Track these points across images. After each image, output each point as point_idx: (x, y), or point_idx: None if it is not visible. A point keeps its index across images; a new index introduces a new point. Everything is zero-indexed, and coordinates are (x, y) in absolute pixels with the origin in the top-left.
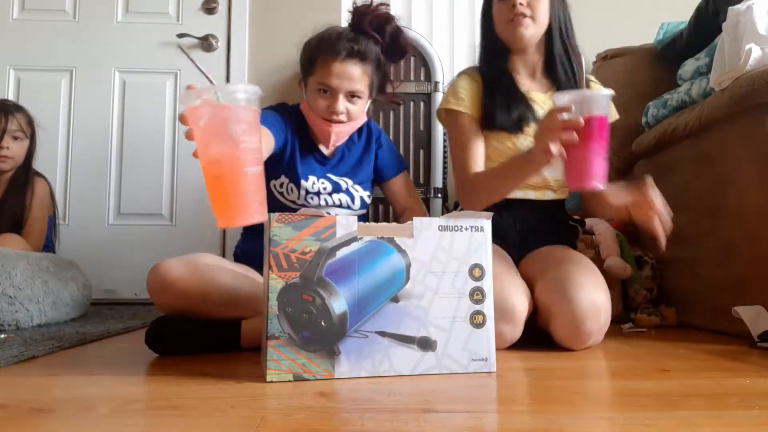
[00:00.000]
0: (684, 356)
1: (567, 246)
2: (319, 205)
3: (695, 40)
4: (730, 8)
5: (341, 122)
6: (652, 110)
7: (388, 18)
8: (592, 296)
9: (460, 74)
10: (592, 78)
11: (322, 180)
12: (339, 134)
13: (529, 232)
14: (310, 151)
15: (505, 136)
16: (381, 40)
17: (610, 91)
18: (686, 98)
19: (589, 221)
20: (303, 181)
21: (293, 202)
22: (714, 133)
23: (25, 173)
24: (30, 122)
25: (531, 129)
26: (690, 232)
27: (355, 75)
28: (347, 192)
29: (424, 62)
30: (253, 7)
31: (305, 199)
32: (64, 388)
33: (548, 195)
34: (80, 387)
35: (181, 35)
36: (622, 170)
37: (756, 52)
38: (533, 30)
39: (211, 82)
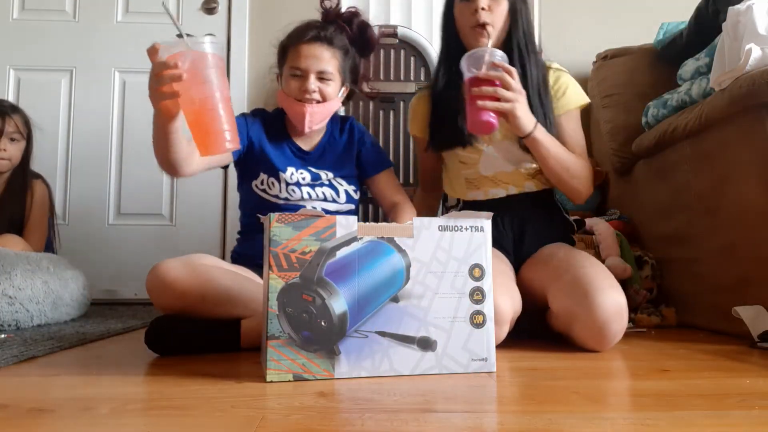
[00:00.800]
0: (684, 356)
1: (565, 243)
2: (302, 198)
3: (695, 40)
4: (730, 8)
5: (314, 101)
6: (652, 110)
7: (355, 12)
8: (614, 298)
9: (414, 95)
10: (555, 65)
11: (301, 170)
12: (313, 115)
13: (523, 230)
14: (285, 144)
15: (459, 152)
16: (348, 30)
17: (500, 52)
18: (686, 98)
19: (589, 221)
20: (282, 173)
21: (276, 196)
22: (714, 133)
23: (23, 175)
24: (27, 123)
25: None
26: (690, 232)
27: (323, 56)
28: (330, 185)
29: (424, 62)
30: (253, 7)
31: (287, 192)
32: (64, 388)
33: (529, 186)
34: (80, 387)
35: (180, 35)
36: (622, 170)
37: (756, 52)
38: (494, 37)
39: (182, 37)
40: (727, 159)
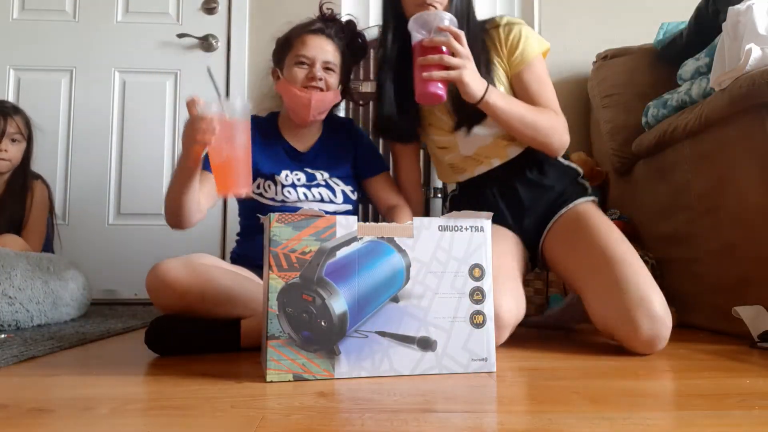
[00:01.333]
0: (684, 356)
1: (581, 197)
2: (298, 200)
3: (695, 40)
4: (730, 8)
5: (319, 89)
6: (652, 110)
7: (351, 20)
8: (656, 310)
9: None
10: (507, 18)
11: (296, 172)
12: (318, 103)
13: (518, 195)
14: (279, 146)
15: (434, 137)
16: (346, 33)
17: (449, 15)
18: (686, 98)
19: None
20: (276, 176)
21: (272, 199)
22: (714, 133)
23: (23, 175)
24: (28, 124)
25: (434, 122)
26: (690, 232)
27: (328, 48)
28: (327, 186)
29: None
30: (253, 7)
31: (283, 194)
32: (64, 388)
33: (513, 152)
34: (80, 387)
35: (181, 35)
36: (622, 170)
37: (756, 52)
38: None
39: (219, 96)
40: (727, 159)
